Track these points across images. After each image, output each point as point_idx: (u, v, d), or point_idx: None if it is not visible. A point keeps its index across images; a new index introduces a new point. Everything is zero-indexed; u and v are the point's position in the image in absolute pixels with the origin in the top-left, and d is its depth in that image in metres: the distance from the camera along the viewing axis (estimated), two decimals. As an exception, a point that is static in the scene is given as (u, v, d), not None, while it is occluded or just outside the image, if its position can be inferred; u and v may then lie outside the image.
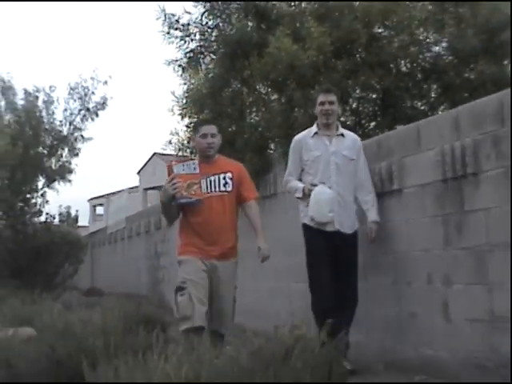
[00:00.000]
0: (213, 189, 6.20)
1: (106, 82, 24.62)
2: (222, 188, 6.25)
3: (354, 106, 14.86)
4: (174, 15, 17.09)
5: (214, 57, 17.43)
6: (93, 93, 24.57)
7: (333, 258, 6.76)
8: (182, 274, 6.25)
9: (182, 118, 19.55)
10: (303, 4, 16.76)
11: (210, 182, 6.22)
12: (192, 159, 6.34)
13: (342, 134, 7.13)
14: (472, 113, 5.75)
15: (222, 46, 16.72)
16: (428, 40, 16.42)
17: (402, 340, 5.25)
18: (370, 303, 6.87)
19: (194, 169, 6.03)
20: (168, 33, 17.16)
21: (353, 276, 6.86)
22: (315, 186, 6.81)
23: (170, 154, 28.39)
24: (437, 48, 16.62)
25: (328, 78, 14.72)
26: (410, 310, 5.48)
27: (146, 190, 52.60)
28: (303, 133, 7.31)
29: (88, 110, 24.67)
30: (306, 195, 6.81)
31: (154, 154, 50.43)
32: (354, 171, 7.10)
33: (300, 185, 7.01)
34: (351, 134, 7.35)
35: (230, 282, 6.36)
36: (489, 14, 15.15)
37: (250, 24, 16.72)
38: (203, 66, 17.72)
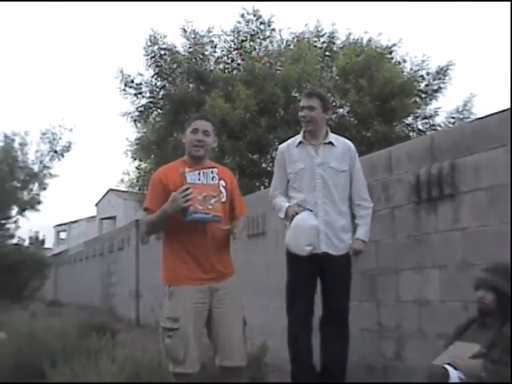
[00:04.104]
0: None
1: (71, 130, 24.53)
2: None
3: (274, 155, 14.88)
4: (129, 75, 17.17)
5: (160, 111, 17.48)
6: (60, 138, 24.36)
7: (321, 281, 4.98)
8: (171, 310, 4.15)
9: (133, 160, 19.58)
10: (234, 71, 16.93)
11: (204, 174, 4.19)
12: (212, 167, 4.23)
13: (331, 142, 5.02)
14: (367, 163, 5.73)
15: (168, 103, 16.80)
16: (334, 104, 16.70)
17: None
18: (276, 318, 6.39)
19: (213, 178, 4.12)
20: (124, 90, 17.24)
21: (342, 302, 4.98)
22: (302, 209, 4.88)
23: (123, 190, 28.27)
24: (341, 110, 16.93)
25: (253, 132, 14.93)
26: (314, 321, 5.38)
27: (102, 219, 51.89)
28: (288, 142, 5.21)
29: (55, 151, 24.44)
30: (289, 218, 4.87)
31: (110, 189, 49.85)
32: (346, 184, 5.04)
33: (285, 204, 4.99)
34: (343, 141, 5.16)
35: (235, 304, 4.30)
36: (382, 85, 15.53)
37: (190, 86, 16.82)
38: (151, 119, 17.79)
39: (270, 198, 5.24)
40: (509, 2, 10.91)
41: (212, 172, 4.12)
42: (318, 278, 4.96)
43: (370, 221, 5.08)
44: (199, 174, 4.08)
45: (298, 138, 5.07)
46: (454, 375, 3.25)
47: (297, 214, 4.80)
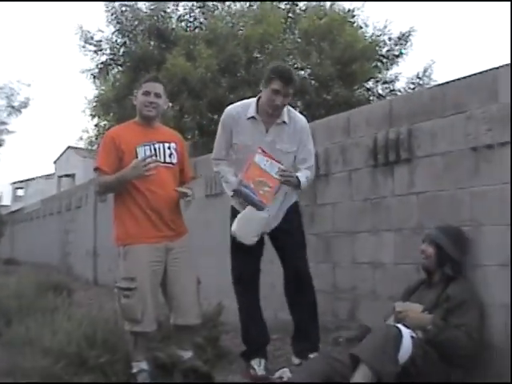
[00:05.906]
0: (158, 158, 4.16)
1: (29, 85, 24.22)
2: (168, 159, 4.24)
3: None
4: (89, 32, 16.87)
5: (120, 69, 17.26)
6: (18, 93, 23.98)
7: (274, 244, 4.72)
8: (127, 270, 4.08)
9: (92, 118, 19.34)
10: (196, 30, 16.77)
11: (155, 150, 4.18)
12: (278, 161, 4.19)
13: (284, 122, 4.42)
14: (326, 126, 5.75)
15: (128, 61, 16.58)
16: (296, 66, 16.66)
17: (265, 306, 5.17)
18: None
19: (276, 173, 4.10)
20: (83, 46, 16.96)
21: (296, 257, 4.65)
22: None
23: (82, 148, 27.93)
24: (302, 73, 16.91)
25: (214, 92, 14.84)
26: (271, 281, 5.41)
27: (60, 177, 51.16)
28: (238, 108, 4.53)
29: (13, 107, 24.05)
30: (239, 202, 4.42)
31: (68, 147, 49.06)
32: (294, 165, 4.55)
33: (232, 179, 4.46)
34: (298, 119, 4.54)
35: (188, 263, 4.28)
36: (344, 48, 15.54)
37: (152, 43, 16.60)
38: (111, 76, 17.55)
39: (215, 162, 4.74)
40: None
41: (278, 168, 4.14)
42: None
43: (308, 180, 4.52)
44: (267, 161, 4.15)
45: (251, 111, 4.46)
46: (406, 334, 3.32)
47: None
